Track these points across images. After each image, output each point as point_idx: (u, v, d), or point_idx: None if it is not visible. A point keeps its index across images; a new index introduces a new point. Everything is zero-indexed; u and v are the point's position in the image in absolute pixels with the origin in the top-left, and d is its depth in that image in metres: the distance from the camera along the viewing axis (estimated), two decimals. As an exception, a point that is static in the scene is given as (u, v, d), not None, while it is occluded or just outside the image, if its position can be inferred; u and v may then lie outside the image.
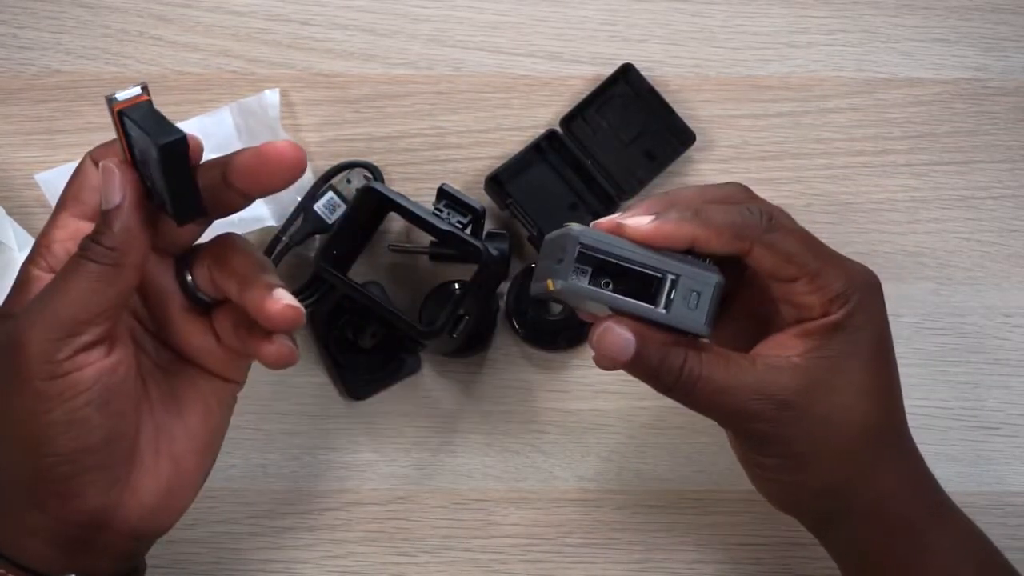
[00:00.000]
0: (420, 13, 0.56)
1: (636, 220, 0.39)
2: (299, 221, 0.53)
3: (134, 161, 0.37)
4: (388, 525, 0.52)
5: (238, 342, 0.40)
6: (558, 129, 0.53)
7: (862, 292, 0.41)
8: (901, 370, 0.53)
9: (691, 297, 0.39)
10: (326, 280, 0.51)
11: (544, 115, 0.55)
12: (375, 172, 0.53)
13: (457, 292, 0.51)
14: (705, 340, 0.40)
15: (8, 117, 0.54)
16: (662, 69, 0.55)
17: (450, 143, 0.55)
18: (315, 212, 0.53)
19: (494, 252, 0.49)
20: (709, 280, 0.39)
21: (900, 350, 0.54)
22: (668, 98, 0.54)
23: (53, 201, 0.53)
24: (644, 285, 0.39)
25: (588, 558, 0.52)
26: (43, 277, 0.37)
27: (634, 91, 0.54)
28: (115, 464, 0.37)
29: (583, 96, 0.54)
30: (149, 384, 0.40)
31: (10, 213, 0.53)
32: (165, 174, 0.34)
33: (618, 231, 0.39)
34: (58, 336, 0.35)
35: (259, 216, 0.54)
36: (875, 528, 0.42)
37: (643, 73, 0.54)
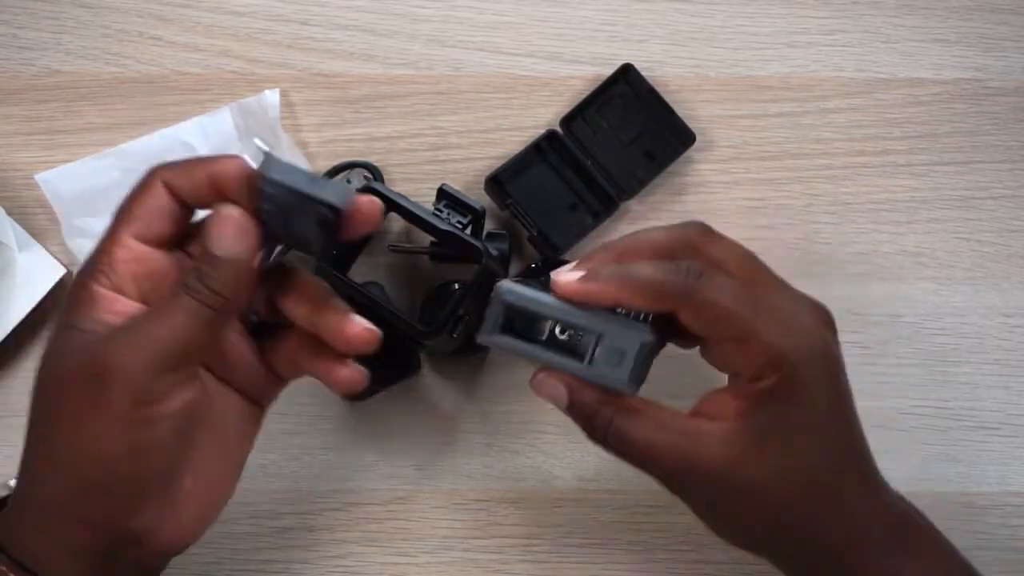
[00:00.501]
0: (420, 13, 0.56)
1: (565, 278, 0.40)
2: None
3: (259, 210, 0.37)
4: (388, 525, 0.52)
5: (302, 366, 0.40)
6: (558, 129, 0.53)
7: (798, 358, 0.39)
8: (901, 370, 0.54)
9: (614, 355, 0.40)
10: (326, 280, 0.51)
11: (544, 115, 0.55)
12: (375, 172, 0.53)
13: (457, 292, 0.51)
14: (633, 396, 0.41)
15: (8, 117, 0.54)
16: (662, 69, 0.55)
17: (450, 143, 0.55)
18: None
19: (494, 252, 0.49)
20: (634, 340, 0.40)
21: (900, 350, 0.54)
22: (668, 98, 0.54)
23: (53, 201, 0.53)
24: (580, 335, 0.41)
25: (588, 558, 0.52)
26: (109, 296, 0.37)
27: (634, 91, 0.54)
28: (170, 488, 0.38)
29: (583, 96, 0.54)
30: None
31: (10, 213, 0.53)
32: (322, 231, 0.36)
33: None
34: (156, 368, 0.35)
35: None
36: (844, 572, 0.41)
37: (643, 73, 0.54)
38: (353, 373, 0.40)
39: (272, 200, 0.36)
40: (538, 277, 0.52)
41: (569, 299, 0.40)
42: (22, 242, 0.53)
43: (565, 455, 0.53)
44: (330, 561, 0.52)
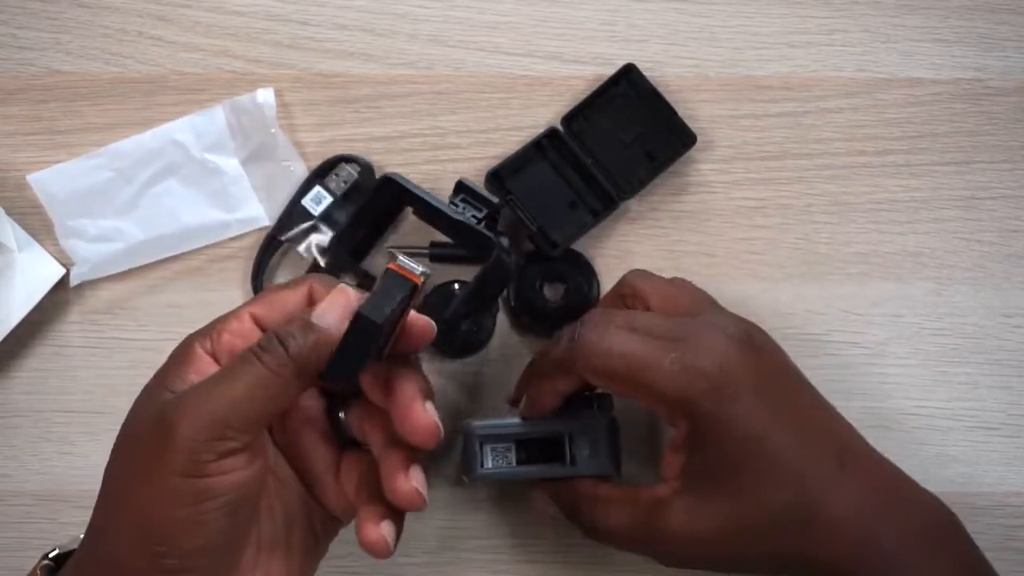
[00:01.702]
0: (420, 13, 0.56)
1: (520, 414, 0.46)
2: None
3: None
4: (388, 525, 0.52)
5: (357, 497, 0.41)
6: (559, 127, 0.53)
7: (697, 402, 0.40)
8: (901, 370, 0.54)
9: (591, 447, 0.46)
10: (324, 269, 0.52)
11: (544, 115, 0.55)
12: (365, 167, 0.53)
13: (470, 281, 0.50)
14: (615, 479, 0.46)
15: (7, 117, 0.54)
16: (662, 69, 0.55)
17: (450, 143, 0.55)
18: (302, 207, 0.53)
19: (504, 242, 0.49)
20: (599, 426, 0.46)
21: (900, 350, 0.54)
22: (668, 98, 0.54)
23: (46, 201, 0.53)
24: (556, 443, 0.46)
25: (588, 558, 0.52)
26: (203, 357, 0.37)
27: (636, 91, 0.54)
28: (221, 569, 0.36)
29: (583, 96, 0.54)
30: (265, 498, 0.40)
31: (10, 214, 0.53)
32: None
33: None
34: (209, 436, 0.34)
35: (254, 216, 0.54)
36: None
37: (643, 73, 0.54)
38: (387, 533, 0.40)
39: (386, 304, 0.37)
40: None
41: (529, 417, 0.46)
42: (22, 242, 0.53)
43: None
44: (330, 561, 0.52)
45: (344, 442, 0.43)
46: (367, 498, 0.40)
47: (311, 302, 0.39)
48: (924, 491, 0.43)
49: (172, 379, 0.36)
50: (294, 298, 0.39)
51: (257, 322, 0.38)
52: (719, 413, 0.40)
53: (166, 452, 0.34)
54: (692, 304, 0.44)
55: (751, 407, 0.40)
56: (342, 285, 0.37)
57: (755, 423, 0.40)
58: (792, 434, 0.41)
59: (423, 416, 0.38)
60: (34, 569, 0.38)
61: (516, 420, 0.47)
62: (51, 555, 0.39)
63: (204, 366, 0.37)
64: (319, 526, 0.42)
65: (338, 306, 0.36)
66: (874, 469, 0.43)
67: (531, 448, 0.47)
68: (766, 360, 0.42)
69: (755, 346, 0.42)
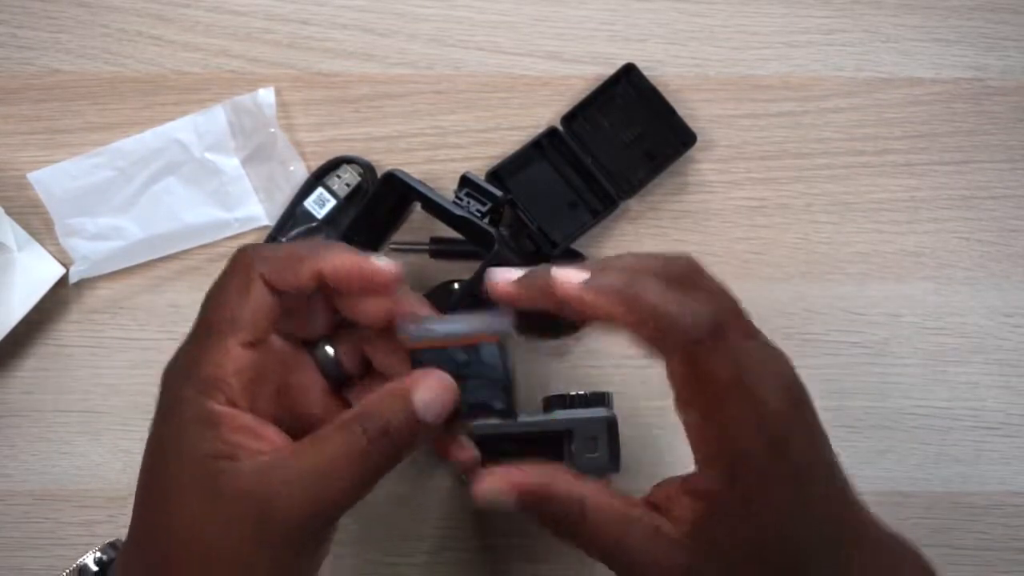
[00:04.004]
0: (420, 13, 0.56)
1: (564, 276, 0.36)
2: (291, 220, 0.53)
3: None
4: (388, 525, 0.52)
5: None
6: (559, 127, 0.53)
7: (751, 460, 0.32)
8: (901, 370, 0.54)
9: (590, 444, 0.46)
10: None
11: (544, 115, 0.55)
12: (366, 168, 0.53)
13: (471, 277, 0.50)
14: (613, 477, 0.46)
15: (7, 117, 0.54)
16: (662, 69, 0.55)
17: (450, 143, 0.55)
18: (304, 208, 0.53)
19: (504, 232, 0.49)
20: (600, 422, 0.47)
21: (900, 350, 0.54)
22: (668, 98, 0.54)
23: (46, 200, 0.53)
24: (556, 441, 0.46)
25: (588, 558, 0.52)
26: (228, 413, 0.34)
27: (636, 91, 0.54)
28: None
29: (583, 96, 0.54)
30: None
31: (9, 213, 0.53)
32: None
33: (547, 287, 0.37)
34: (322, 523, 0.34)
35: (254, 216, 0.54)
36: None
37: (642, 72, 0.54)
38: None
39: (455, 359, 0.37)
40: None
41: (567, 300, 0.36)
42: (21, 242, 0.53)
43: (565, 455, 0.53)
44: (330, 561, 0.52)
45: (340, 383, 0.40)
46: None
47: (274, 291, 0.36)
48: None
49: (217, 445, 0.34)
50: (263, 305, 0.35)
51: (251, 347, 0.35)
52: (772, 476, 0.33)
53: (268, 534, 0.33)
54: (747, 331, 0.37)
55: (798, 473, 0.34)
56: (441, 376, 0.35)
57: (802, 491, 0.34)
58: (813, 429, 0.35)
59: (371, 264, 0.36)
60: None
61: (511, 424, 0.46)
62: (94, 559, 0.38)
63: (237, 421, 0.34)
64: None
65: (439, 401, 0.35)
66: (877, 542, 0.37)
67: (530, 445, 0.47)
68: (811, 413, 0.36)
69: (804, 398, 0.36)
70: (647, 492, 0.37)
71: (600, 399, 0.48)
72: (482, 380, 0.37)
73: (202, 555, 0.33)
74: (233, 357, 0.35)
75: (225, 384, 0.34)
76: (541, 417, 0.47)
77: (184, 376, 0.35)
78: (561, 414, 0.47)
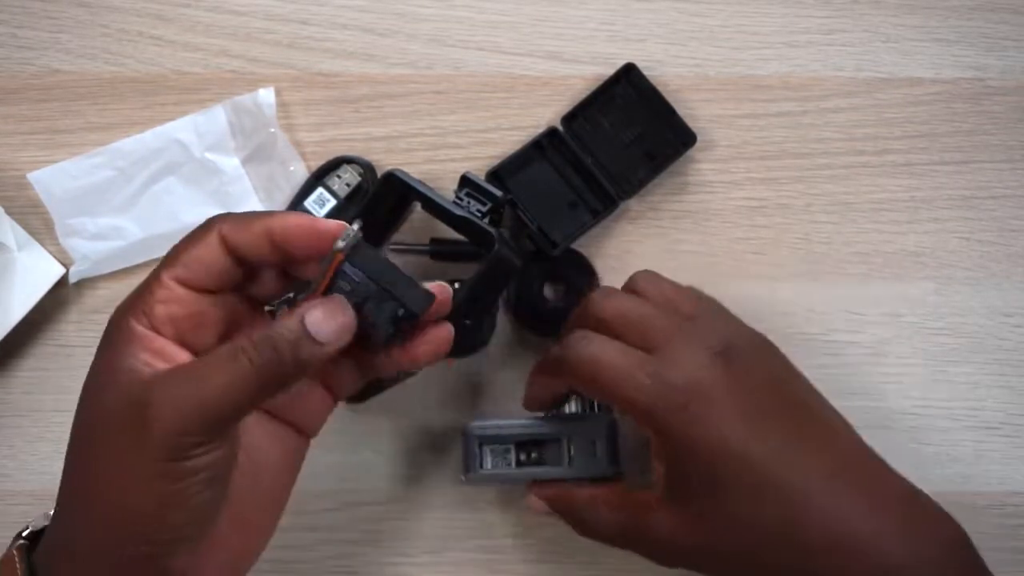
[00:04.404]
0: (420, 13, 0.56)
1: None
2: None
3: (334, 286, 0.37)
4: (388, 525, 0.52)
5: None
6: (559, 127, 0.53)
7: (664, 417, 0.40)
8: (901, 370, 0.54)
9: (589, 448, 0.46)
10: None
11: (544, 115, 0.55)
12: (367, 168, 0.53)
13: (470, 277, 0.50)
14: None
15: (7, 117, 0.54)
16: (662, 69, 0.55)
17: (450, 143, 0.55)
18: (304, 208, 0.53)
19: (504, 232, 0.49)
20: (599, 427, 0.47)
21: (900, 350, 0.54)
22: (668, 98, 0.54)
23: (46, 200, 0.53)
24: (555, 444, 0.47)
25: (588, 558, 0.52)
26: (148, 335, 0.36)
27: (636, 91, 0.54)
28: (206, 533, 0.37)
29: (583, 96, 0.54)
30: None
31: (9, 213, 0.53)
32: (392, 325, 0.37)
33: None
34: (196, 430, 0.34)
35: (258, 216, 0.54)
36: None
37: (643, 72, 0.54)
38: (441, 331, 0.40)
39: (348, 282, 0.37)
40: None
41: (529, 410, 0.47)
42: (21, 242, 0.53)
43: (565, 455, 0.53)
44: (330, 561, 0.52)
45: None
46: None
47: (229, 249, 0.37)
48: (936, 506, 0.42)
49: (124, 359, 0.36)
50: (209, 253, 0.37)
51: (182, 284, 0.37)
52: (686, 431, 0.40)
53: (144, 434, 0.34)
54: (693, 310, 0.44)
55: (725, 425, 0.40)
56: (339, 300, 0.36)
57: (730, 441, 0.40)
58: (776, 450, 0.40)
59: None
60: (10, 549, 0.38)
61: (516, 421, 0.47)
62: (24, 534, 0.39)
63: (153, 343, 0.36)
64: (291, 455, 0.41)
65: (336, 322, 0.36)
66: (877, 480, 0.42)
67: (530, 449, 0.47)
68: (750, 373, 0.42)
69: (736, 359, 0.42)
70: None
71: (602, 402, 0.48)
72: (374, 301, 0.37)
73: (92, 457, 0.36)
74: (163, 286, 0.37)
75: (150, 309, 0.37)
76: (538, 421, 0.48)
77: (121, 306, 0.38)
78: (559, 419, 0.47)
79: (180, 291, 0.37)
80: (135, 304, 0.37)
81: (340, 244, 0.37)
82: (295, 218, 0.38)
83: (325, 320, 0.36)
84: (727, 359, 0.41)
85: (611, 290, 0.46)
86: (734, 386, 0.41)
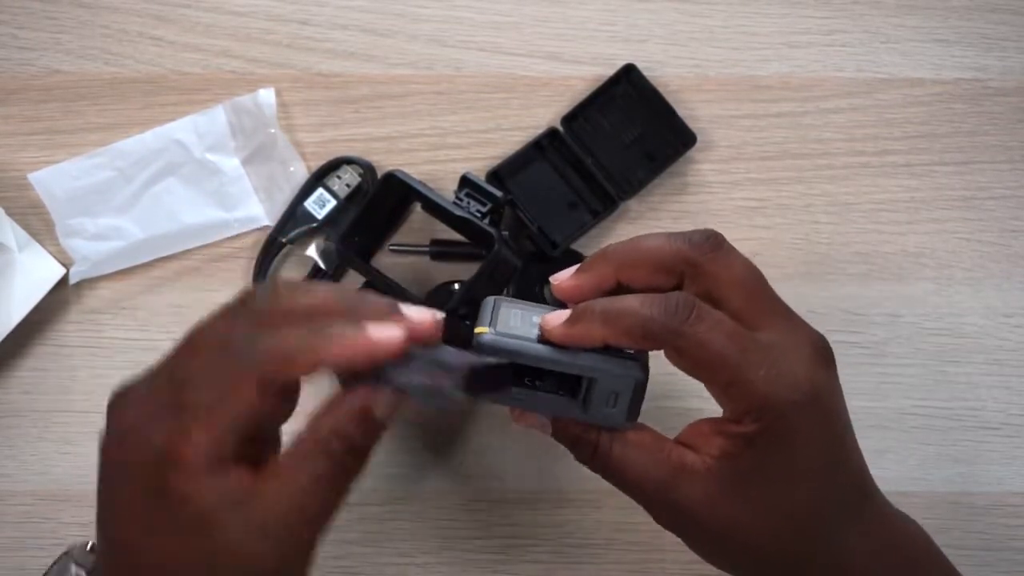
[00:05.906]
0: (420, 13, 0.56)
1: (552, 323, 0.39)
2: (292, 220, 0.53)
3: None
4: (388, 525, 0.52)
5: None
6: (559, 127, 0.53)
7: (783, 410, 0.38)
8: (901, 370, 0.54)
9: (609, 397, 0.40)
10: (326, 273, 0.51)
11: (544, 115, 0.55)
12: (367, 168, 0.53)
13: (470, 278, 0.49)
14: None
15: (7, 117, 0.54)
16: (662, 69, 0.55)
17: (450, 143, 0.55)
18: (304, 208, 0.53)
19: (504, 233, 0.49)
20: (627, 381, 0.40)
21: (900, 350, 0.54)
22: (668, 98, 0.54)
23: (47, 200, 0.53)
24: (575, 381, 0.40)
25: (588, 558, 0.52)
26: (195, 490, 0.34)
27: (636, 91, 0.54)
28: None
29: (583, 96, 0.54)
30: None
31: (10, 213, 0.53)
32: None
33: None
34: (297, 551, 0.34)
35: (254, 216, 0.54)
36: None
37: (643, 73, 0.54)
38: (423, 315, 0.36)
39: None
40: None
41: (559, 344, 0.39)
42: (22, 242, 0.53)
43: (565, 455, 0.53)
44: (330, 561, 0.52)
45: None
46: None
47: (271, 395, 0.35)
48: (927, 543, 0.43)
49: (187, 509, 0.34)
50: (246, 409, 0.34)
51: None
52: (801, 425, 0.38)
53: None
54: (773, 306, 0.41)
55: (828, 427, 0.39)
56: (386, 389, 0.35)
57: (821, 444, 0.39)
58: (839, 463, 0.40)
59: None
60: None
61: (534, 343, 0.40)
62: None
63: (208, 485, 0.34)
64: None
65: (391, 401, 0.35)
66: (886, 515, 0.42)
67: (545, 378, 0.41)
68: (837, 377, 0.41)
69: (833, 362, 0.41)
70: (678, 433, 0.40)
71: (639, 355, 0.41)
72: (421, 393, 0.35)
73: None
74: (204, 449, 0.34)
75: (191, 465, 0.34)
76: (567, 354, 0.39)
77: (157, 456, 0.34)
78: (589, 358, 0.40)
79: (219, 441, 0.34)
80: (171, 459, 0.34)
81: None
82: (345, 345, 0.34)
83: (389, 407, 0.35)
84: (831, 362, 0.41)
85: (721, 240, 0.41)
86: (835, 389, 0.40)
